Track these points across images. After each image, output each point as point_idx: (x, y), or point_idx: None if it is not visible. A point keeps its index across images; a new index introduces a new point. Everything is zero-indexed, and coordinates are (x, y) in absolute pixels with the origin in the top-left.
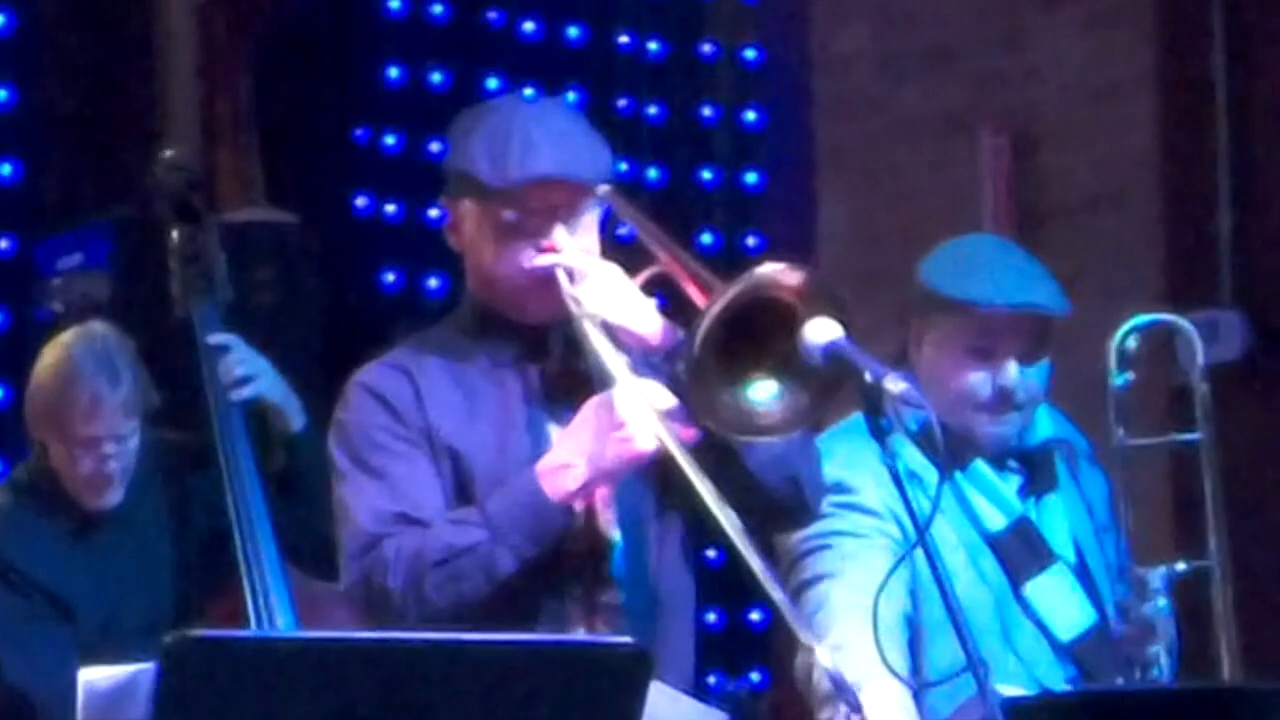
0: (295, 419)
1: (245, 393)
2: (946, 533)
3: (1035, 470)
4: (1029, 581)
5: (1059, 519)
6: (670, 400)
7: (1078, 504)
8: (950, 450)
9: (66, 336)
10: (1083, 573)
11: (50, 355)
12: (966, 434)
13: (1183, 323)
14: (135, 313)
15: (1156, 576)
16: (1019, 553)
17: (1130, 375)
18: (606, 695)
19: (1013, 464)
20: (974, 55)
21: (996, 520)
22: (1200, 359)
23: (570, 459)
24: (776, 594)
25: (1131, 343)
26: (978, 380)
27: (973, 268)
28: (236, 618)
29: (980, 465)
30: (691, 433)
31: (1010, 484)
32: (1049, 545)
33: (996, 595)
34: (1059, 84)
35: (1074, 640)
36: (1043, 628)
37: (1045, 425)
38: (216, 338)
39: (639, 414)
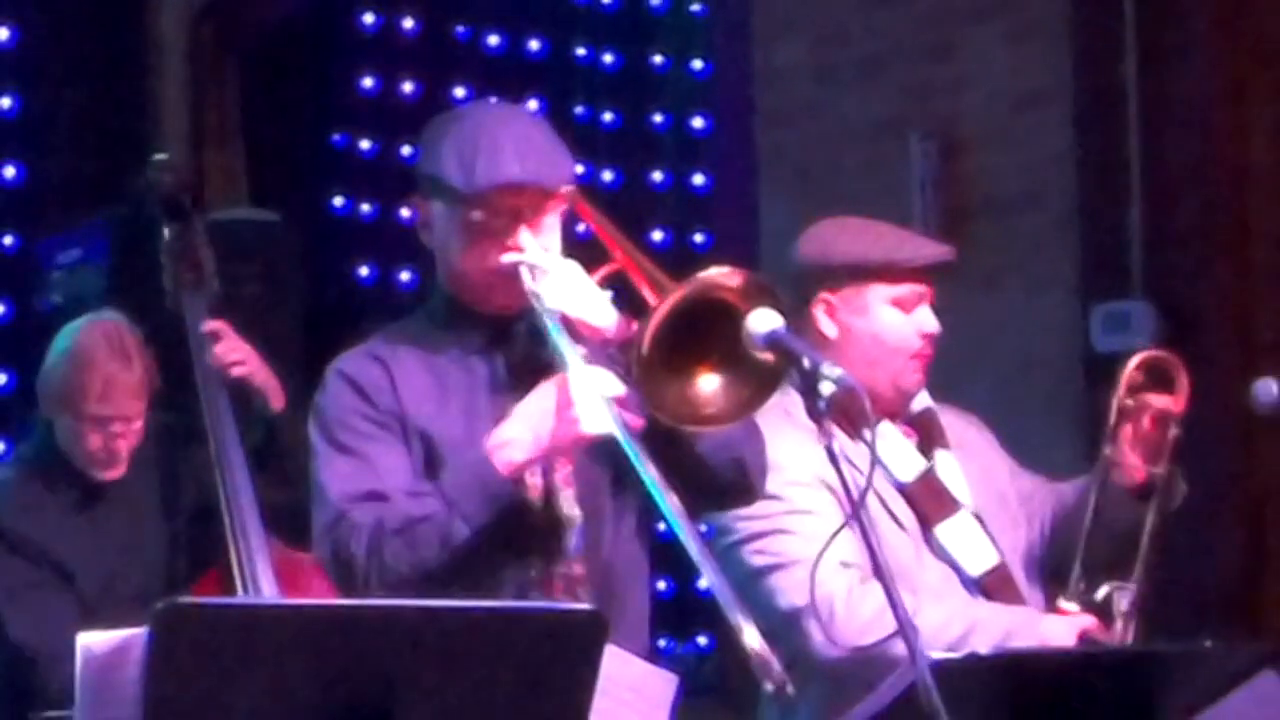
0: (276, 400)
1: (235, 373)
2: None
3: (923, 430)
4: (939, 525)
5: (953, 472)
6: (619, 388)
7: (969, 460)
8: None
9: (82, 322)
10: (979, 519)
11: (67, 339)
12: (890, 391)
13: (1178, 362)
14: (129, 304)
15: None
16: (928, 500)
17: (1133, 401)
18: (565, 658)
19: (902, 426)
20: (904, 66)
21: (905, 472)
22: (1186, 398)
23: (518, 434)
24: (712, 575)
25: (1139, 372)
26: (908, 329)
27: (870, 233)
28: (221, 586)
29: (887, 424)
30: (639, 420)
31: (909, 441)
32: (951, 494)
33: (913, 538)
34: (983, 92)
35: (983, 575)
36: (955, 565)
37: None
38: (210, 324)
39: (588, 398)
